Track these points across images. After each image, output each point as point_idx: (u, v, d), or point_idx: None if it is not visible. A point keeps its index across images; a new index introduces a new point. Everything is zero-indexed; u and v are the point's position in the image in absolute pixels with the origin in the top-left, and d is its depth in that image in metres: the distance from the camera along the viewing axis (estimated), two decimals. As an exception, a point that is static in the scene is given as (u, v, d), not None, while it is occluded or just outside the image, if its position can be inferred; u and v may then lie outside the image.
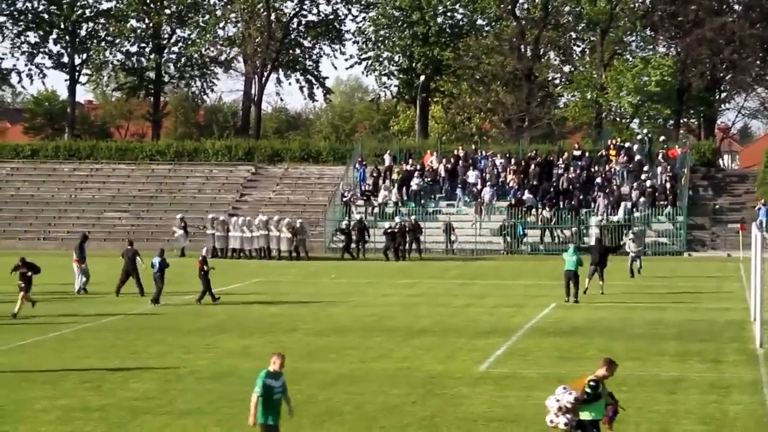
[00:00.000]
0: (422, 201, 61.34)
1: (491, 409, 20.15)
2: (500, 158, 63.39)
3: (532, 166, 61.62)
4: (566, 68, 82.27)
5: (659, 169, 61.38)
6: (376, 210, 60.69)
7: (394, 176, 62.41)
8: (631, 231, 49.38)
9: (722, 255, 55.97)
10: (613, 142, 64.48)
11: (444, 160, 63.69)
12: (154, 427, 18.69)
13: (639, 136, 66.05)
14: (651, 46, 79.35)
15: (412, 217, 57.11)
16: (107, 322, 31.60)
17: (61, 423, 19.00)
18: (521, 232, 57.79)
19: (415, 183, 61.39)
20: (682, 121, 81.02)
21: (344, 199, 61.00)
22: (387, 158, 64.51)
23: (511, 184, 60.92)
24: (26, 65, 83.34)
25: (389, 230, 55.02)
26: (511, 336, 28.96)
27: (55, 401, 20.70)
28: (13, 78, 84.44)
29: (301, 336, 29.06)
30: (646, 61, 73.67)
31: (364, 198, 61.20)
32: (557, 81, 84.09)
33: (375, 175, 62.91)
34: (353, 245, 55.55)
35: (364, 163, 64.19)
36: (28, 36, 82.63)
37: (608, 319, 32.13)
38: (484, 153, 64.66)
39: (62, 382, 22.57)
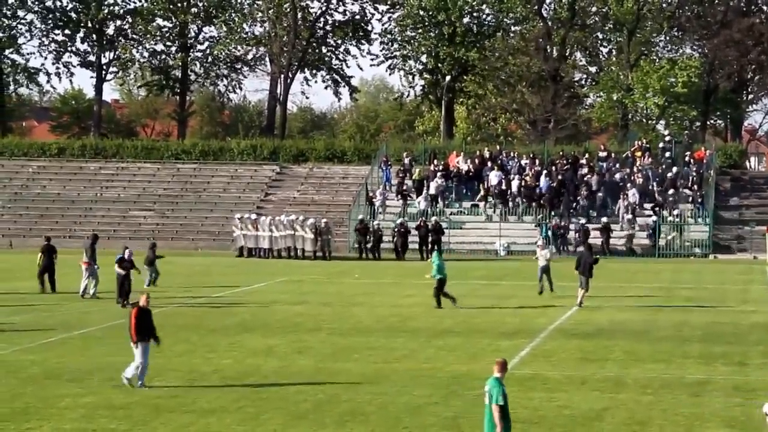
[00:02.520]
0: (446, 201, 61.29)
1: (514, 410, 20.04)
2: (525, 159, 63.26)
3: (554, 169, 61.47)
4: (592, 69, 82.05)
5: (685, 171, 61.11)
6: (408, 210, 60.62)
7: (415, 176, 62.27)
8: (539, 238, 45.87)
9: (748, 257, 55.69)
10: (639, 143, 64.25)
11: (469, 161, 63.63)
12: (178, 426, 18.74)
13: (667, 138, 65.76)
14: (678, 47, 79.08)
15: (433, 218, 57.08)
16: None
17: (86, 421, 19.07)
18: (545, 234, 57.63)
19: (436, 183, 61.28)
20: (708, 122, 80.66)
21: (374, 200, 60.92)
22: (406, 160, 64.31)
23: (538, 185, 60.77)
24: (53, 64, 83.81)
25: (401, 229, 55.29)
26: (535, 337, 28.90)
27: (80, 399, 20.78)
28: (41, 78, 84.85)
29: (325, 336, 29.08)
30: (673, 62, 73.36)
31: (402, 198, 61.13)
32: (583, 82, 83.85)
33: (401, 175, 62.89)
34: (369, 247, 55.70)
35: (389, 163, 64.15)
36: (56, 35, 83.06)
37: (633, 321, 32.01)
38: (512, 154, 64.46)
39: (87, 380, 22.66)
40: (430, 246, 54.91)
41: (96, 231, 62.15)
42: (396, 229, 56.00)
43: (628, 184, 59.97)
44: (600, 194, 59.74)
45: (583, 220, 56.94)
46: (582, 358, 25.80)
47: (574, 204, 59.39)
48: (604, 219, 56.83)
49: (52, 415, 19.46)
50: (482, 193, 60.99)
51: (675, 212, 58.02)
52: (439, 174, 61.87)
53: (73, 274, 39.09)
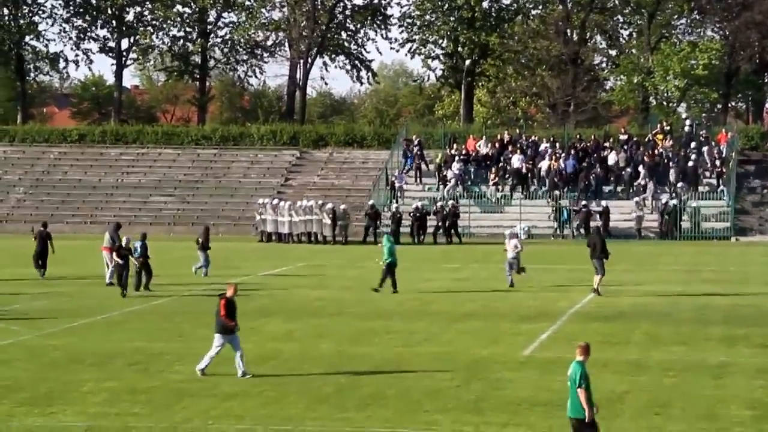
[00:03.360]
0: (467, 185, 61.28)
1: (535, 393, 20.11)
2: (545, 143, 63.11)
3: (573, 151, 61.38)
4: (613, 52, 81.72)
5: (706, 153, 60.85)
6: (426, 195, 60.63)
7: (437, 160, 62.16)
8: (510, 229, 42.73)
9: (770, 240, 55.47)
10: (661, 126, 63.96)
11: (489, 145, 63.52)
12: (200, 410, 18.81)
13: (687, 121, 65.49)
14: (699, 30, 78.65)
15: (450, 202, 57.07)
16: (154, 306, 31.80)
17: (108, 405, 19.17)
18: (566, 217, 57.61)
19: (455, 168, 61.20)
20: (729, 105, 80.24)
21: (398, 184, 60.85)
22: (415, 141, 64.06)
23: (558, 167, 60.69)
24: (73, 50, 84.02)
25: (416, 213, 55.34)
26: (556, 320, 28.88)
27: (103, 383, 20.88)
28: (62, 64, 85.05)
29: (346, 320, 29.12)
30: (694, 45, 72.97)
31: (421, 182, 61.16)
32: (603, 65, 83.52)
33: (418, 161, 62.81)
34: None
35: (411, 148, 63.77)
36: (76, 21, 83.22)
37: (654, 304, 31.95)
38: (532, 138, 64.32)
39: (109, 365, 22.77)
40: (447, 230, 55.07)
41: (117, 216, 62.83)
42: (413, 214, 55.97)
43: (640, 166, 59.78)
44: (623, 175, 59.58)
45: (604, 203, 56.76)
46: (603, 341, 25.74)
47: (595, 186, 59.22)
48: (604, 202, 56.70)
49: (75, 399, 19.57)
50: (493, 176, 60.67)
51: (696, 195, 57.82)
52: (458, 158, 61.76)
53: (93, 260, 39.25)
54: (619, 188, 59.84)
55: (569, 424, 15.49)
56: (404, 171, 62.72)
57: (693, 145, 61.34)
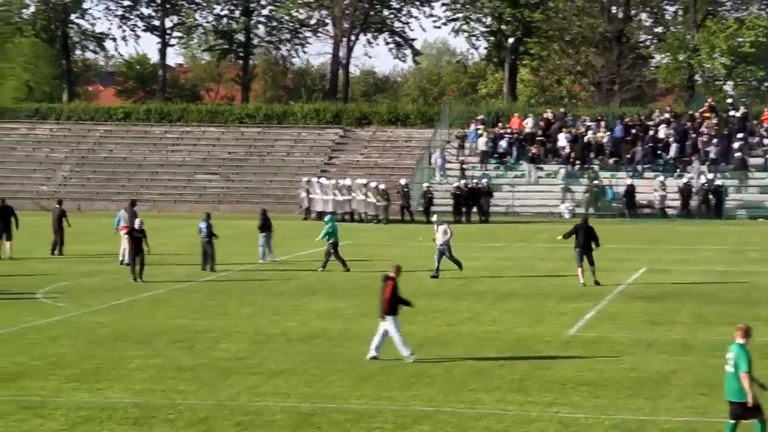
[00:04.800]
0: (510, 163, 61.13)
1: (580, 373, 20.06)
2: (590, 121, 62.77)
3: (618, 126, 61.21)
4: (658, 29, 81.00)
5: (751, 132, 60.30)
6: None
7: (483, 139, 61.92)
8: (436, 215, 39.81)
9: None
10: (708, 103, 63.35)
11: (534, 123, 63.23)
12: (245, 387, 18.92)
13: (730, 101, 64.85)
14: (745, 7, 77.73)
15: (484, 180, 56.94)
16: (198, 284, 31.98)
17: (155, 381, 19.32)
18: (611, 197, 57.34)
19: (502, 145, 61.14)
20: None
21: (439, 162, 60.72)
22: (471, 127, 63.73)
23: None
24: (119, 28, 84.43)
25: (458, 192, 55.20)
26: (601, 300, 28.76)
27: (149, 360, 21.05)
28: (108, 44, 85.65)
29: (390, 298, 29.08)
30: (741, 22, 72.22)
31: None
32: (648, 42, 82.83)
33: (459, 139, 62.72)
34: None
35: (477, 128, 63.19)
36: (121, 1, 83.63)
37: (700, 284, 31.74)
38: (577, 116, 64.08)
39: (155, 342, 22.94)
40: (472, 209, 55.19)
41: (162, 194, 63.23)
42: (453, 192, 55.89)
43: (671, 139, 59.43)
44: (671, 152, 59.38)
45: (661, 177, 56.75)
46: (648, 321, 25.64)
47: (641, 163, 59.01)
48: (629, 181, 56.64)
49: (121, 376, 19.74)
50: (529, 165, 60.31)
51: (741, 174, 57.39)
52: (504, 136, 61.61)
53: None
54: (663, 166, 59.52)
55: (728, 408, 15.17)
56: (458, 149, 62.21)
57: (738, 123, 60.76)
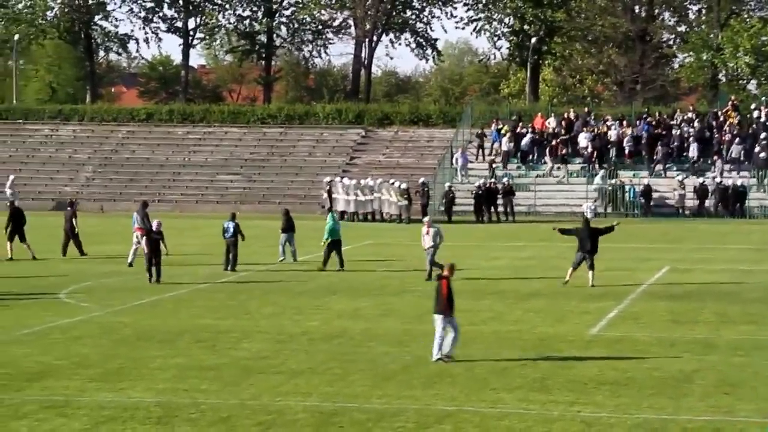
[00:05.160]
0: (532, 163, 61.06)
1: (603, 372, 20.01)
2: (612, 120, 62.62)
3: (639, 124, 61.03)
4: (681, 29, 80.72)
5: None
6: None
7: (506, 139, 61.82)
8: (428, 216, 38.27)
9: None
10: (733, 104, 63.01)
11: (557, 123, 63.07)
12: (267, 387, 18.94)
13: (754, 105, 64.52)
14: (769, 5, 77.45)
15: (505, 180, 56.86)
16: (220, 284, 32.05)
17: (177, 381, 19.37)
18: (632, 196, 57.17)
19: (524, 143, 61.12)
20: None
21: (461, 162, 60.68)
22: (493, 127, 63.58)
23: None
24: (141, 29, 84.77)
25: (479, 191, 55.15)
26: (623, 299, 28.68)
27: (171, 360, 21.10)
28: (131, 46, 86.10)
29: (411, 298, 29.14)
30: (765, 21, 71.89)
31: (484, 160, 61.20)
32: (671, 42, 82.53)
33: (480, 139, 62.69)
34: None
35: (499, 127, 63.10)
36: (144, 2, 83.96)
37: (722, 283, 31.62)
38: (600, 116, 63.94)
39: (177, 341, 23.00)
40: (503, 208, 55.14)
41: (184, 194, 63.40)
42: (474, 192, 55.84)
43: (691, 138, 59.25)
44: (692, 152, 59.15)
45: (681, 176, 56.67)
46: (671, 320, 25.56)
47: (662, 162, 58.84)
48: (645, 180, 56.59)
49: (144, 376, 19.79)
50: (548, 157, 60.18)
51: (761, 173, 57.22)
52: (526, 135, 61.55)
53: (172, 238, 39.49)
54: (685, 165, 59.36)
55: None
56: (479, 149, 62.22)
57: (761, 123, 60.45)
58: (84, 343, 22.85)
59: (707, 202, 55.91)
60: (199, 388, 18.86)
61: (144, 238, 32.86)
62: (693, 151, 59.02)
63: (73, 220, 38.69)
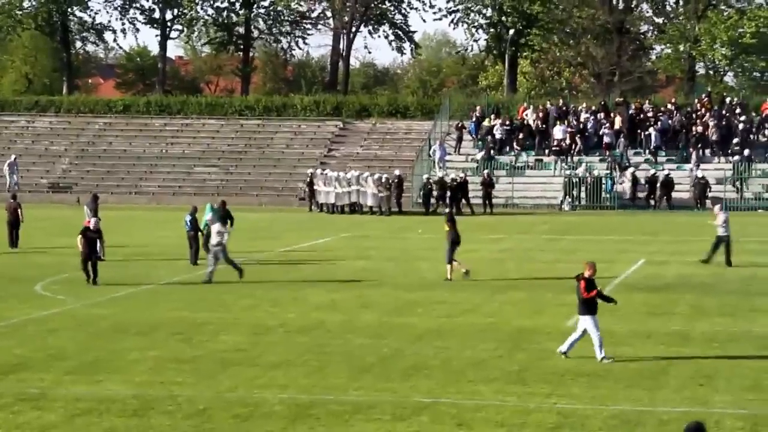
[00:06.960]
0: (508, 153, 61.17)
1: (579, 364, 20.05)
2: (587, 112, 62.71)
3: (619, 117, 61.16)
4: (659, 20, 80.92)
5: (749, 123, 60.27)
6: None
7: (483, 130, 61.93)
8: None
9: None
10: (706, 95, 63.26)
11: (535, 115, 63.19)
12: (244, 379, 18.91)
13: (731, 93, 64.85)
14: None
15: (485, 171, 56.84)
16: (197, 276, 31.95)
17: (154, 373, 19.32)
18: (610, 188, 57.30)
19: (498, 132, 61.23)
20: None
21: (438, 154, 60.77)
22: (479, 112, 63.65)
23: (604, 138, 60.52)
24: (118, 20, 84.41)
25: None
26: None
27: (148, 352, 21.05)
28: (108, 36, 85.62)
29: (389, 290, 29.14)
30: (742, 13, 72.12)
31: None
32: (649, 34, 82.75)
33: (458, 130, 62.77)
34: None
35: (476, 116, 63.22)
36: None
37: (700, 275, 31.74)
38: (578, 107, 64.01)
39: (154, 334, 22.94)
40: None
41: (161, 186, 63.23)
42: (450, 184, 55.87)
43: (651, 128, 59.49)
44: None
45: (631, 169, 56.92)
46: (647, 312, 25.65)
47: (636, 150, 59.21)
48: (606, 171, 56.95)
49: (120, 368, 19.74)
50: (516, 147, 60.38)
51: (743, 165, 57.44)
52: (500, 126, 61.61)
53: (137, 230, 39.48)
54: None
55: None
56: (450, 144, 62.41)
57: (738, 115, 60.68)
58: (60, 336, 22.77)
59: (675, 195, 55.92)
60: (176, 380, 18.83)
61: (79, 236, 30.05)
62: (652, 141, 59.24)
63: (19, 211, 38.27)
